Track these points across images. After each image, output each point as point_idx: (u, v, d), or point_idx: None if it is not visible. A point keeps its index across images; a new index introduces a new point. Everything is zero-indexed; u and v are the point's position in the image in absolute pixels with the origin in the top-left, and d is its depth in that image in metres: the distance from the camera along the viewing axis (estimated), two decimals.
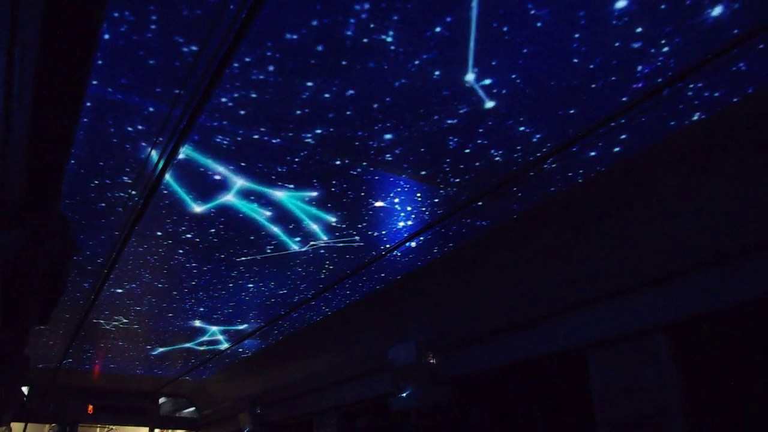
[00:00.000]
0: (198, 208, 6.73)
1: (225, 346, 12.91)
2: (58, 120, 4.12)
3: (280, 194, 6.37)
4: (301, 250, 7.73)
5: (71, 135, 4.33)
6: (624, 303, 6.26)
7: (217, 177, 6.07)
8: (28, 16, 3.19)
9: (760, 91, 4.75)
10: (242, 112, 4.97)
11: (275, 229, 7.25)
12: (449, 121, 5.09)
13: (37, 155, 4.38)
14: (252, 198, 6.48)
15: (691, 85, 4.70)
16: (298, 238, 7.52)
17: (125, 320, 11.50)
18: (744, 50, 4.31)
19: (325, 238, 7.35)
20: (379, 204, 6.60)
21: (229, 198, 6.49)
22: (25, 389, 17.21)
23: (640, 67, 4.49)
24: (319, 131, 5.23)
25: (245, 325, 11.50)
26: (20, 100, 3.84)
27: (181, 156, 5.54)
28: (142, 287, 9.55)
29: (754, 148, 5.10)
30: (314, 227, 7.17)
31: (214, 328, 11.52)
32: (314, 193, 6.38)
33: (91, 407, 18.39)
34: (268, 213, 6.83)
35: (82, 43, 3.46)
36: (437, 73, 4.49)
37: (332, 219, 6.96)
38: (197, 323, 11.26)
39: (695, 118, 5.09)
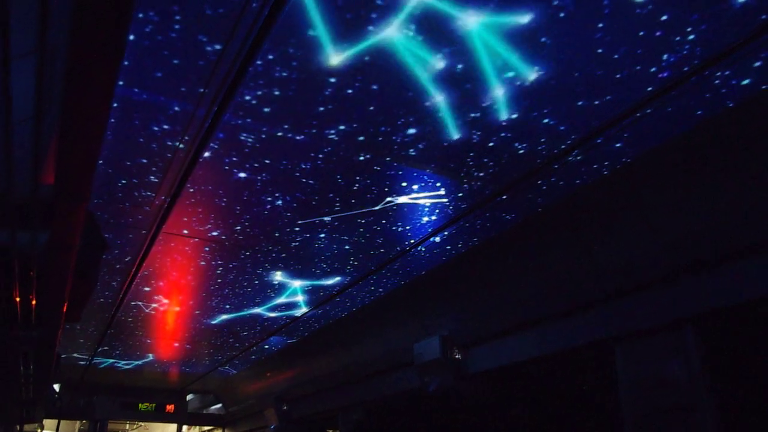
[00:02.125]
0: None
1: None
2: (87, 121, 4.18)
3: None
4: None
5: (100, 135, 4.39)
6: (652, 295, 6.20)
7: None
8: (57, 18, 3.25)
9: None
10: (266, 110, 5.01)
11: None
12: (472, 115, 5.07)
13: (67, 155, 4.45)
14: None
15: (719, 74, 4.63)
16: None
17: (153, 318, 11.65)
18: None
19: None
20: (402, 199, 6.60)
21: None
22: (56, 386, 17.53)
23: (665, 56, 4.43)
24: (342, 127, 5.24)
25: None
26: (50, 101, 3.91)
27: None
28: (170, 285, 9.68)
29: None
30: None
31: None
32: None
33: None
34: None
35: (109, 44, 3.51)
36: (460, 66, 4.48)
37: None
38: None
39: (723, 106, 5.02)
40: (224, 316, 11.53)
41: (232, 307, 10.92)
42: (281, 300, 10.44)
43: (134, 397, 18.84)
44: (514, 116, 5.10)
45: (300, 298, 10.29)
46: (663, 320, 6.04)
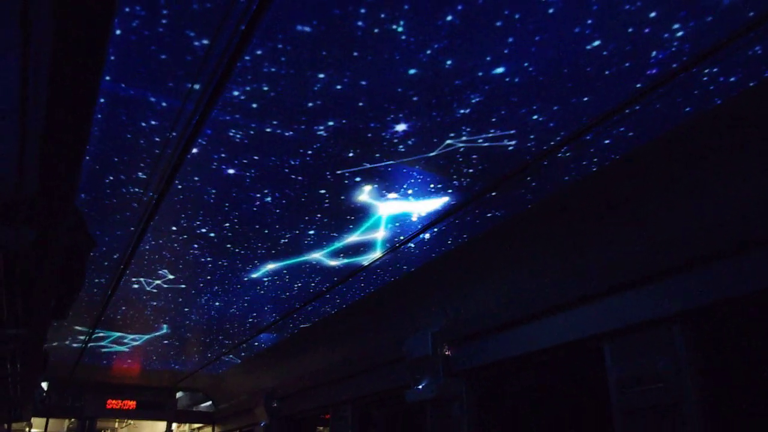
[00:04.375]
0: None
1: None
2: (73, 116, 4.14)
3: None
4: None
5: (86, 131, 4.34)
6: (640, 293, 6.22)
7: None
8: (40, 12, 3.20)
9: None
10: (254, 105, 4.97)
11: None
12: (462, 111, 5.06)
13: (53, 152, 4.40)
14: None
15: (707, 70, 4.64)
16: None
17: (142, 315, 11.59)
18: (760, 33, 4.24)
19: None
20: (392, 195, 6.59)
21: None
22: (44, 385, 17.42)
23: (654, 53, 4.44)
24: (331, 123, 5.22)
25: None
26: (35, 97, 3.86)
27: None
28: (158, 281, 9.62)
29: None
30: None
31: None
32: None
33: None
34: None
35: (94, 39, 3.47)
36: (449, 62, 4.47)
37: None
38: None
39: (712, 103, 5.03)
40: (213, 313, 11.49)
41: (222, 303, 10.87)
42: (272, 296, 10.41)
43: (123, 394, 18.75)
44: (503, 112, 5.09)
45: (289, 295, 10.26)
46: (651, 317, 6.06)
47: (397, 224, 7.34)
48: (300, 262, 8.70)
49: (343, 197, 6.62)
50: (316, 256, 8.45)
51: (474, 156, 5.75)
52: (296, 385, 14.43)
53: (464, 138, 5.54)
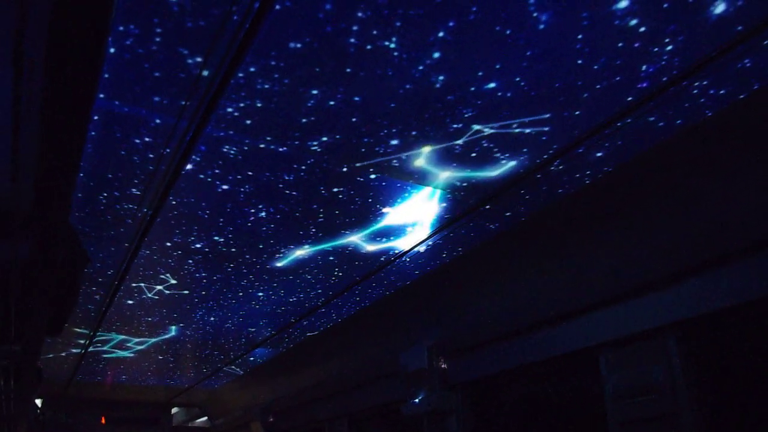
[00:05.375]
0: None
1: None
2: (67, 133, 4.15)
3: None
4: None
5: (80, 148, 4.35)
6: (634, 304, 6.23)
7: None
8: (34, 30, 3.23)
9: (766, 87, 4.73)
10: (248, 122, 4.99)
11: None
12: (455, 126, 5.09)
13: (46, 168, 4.42)
14: None
15: (697, 83, 4.69)
16: None
17: (137, 331, 11.54)
18: (749, 47, 4.29)
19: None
20: (386, 210, 6.60)
21: None
22: (38, 401, 17.29)
23: (644, 67, 4.48)
24: (325, 138, 5.24)
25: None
26: (28, 113, 3.88)
27: None
28: (153, 298, 9.60)
29: (764, 143, 5.07)
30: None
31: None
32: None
33: (104, 418, 18.52)
34: None
35: (88, 57, 3.49)
36: (442, 77, 4.50)
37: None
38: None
39: (702, 115, 5.07)
40: (208, 328, 11.45)
41: (217, 318, 10.84)
42: (267, 311, 10.39)
43: (118, 411, 18.62)
44: (496, 126, 5.12)
45: (285, 309, 10.24)
46: (645, 328, 6.07)
47: (392, 239, 7.35)
48: (294, 277, 8.70)
49: (337, 212, 6.63)
50: (311, 268, 8.45)
51: (468, 169, 5.78)
52: (292, 399, 14.37)
53: (458, 152, 5.56)
